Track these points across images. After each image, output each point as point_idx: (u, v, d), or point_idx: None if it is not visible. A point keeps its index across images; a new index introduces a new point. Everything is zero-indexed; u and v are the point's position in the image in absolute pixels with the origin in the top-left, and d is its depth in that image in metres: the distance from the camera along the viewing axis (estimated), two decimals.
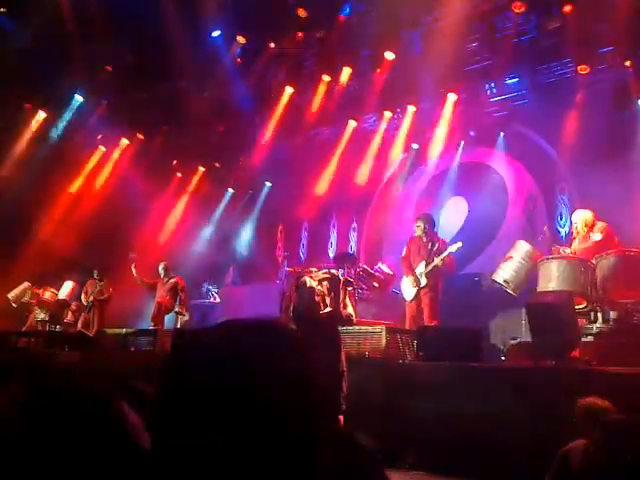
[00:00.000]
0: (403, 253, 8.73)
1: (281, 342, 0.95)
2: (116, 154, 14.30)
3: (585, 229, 7.26)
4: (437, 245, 8.30)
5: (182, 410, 0.87)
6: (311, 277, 6.28)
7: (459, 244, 8.36)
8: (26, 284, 11.48)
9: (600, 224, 7.25)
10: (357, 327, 7.49)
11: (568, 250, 7.24)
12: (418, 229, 8.44)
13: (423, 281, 8.21)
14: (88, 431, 1.23)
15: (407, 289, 8.42)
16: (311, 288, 6.13)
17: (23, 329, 11.13)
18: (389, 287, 9.29)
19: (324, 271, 6.50)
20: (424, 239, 8.38)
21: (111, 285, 11.30)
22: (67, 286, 11.45)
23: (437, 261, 8.18)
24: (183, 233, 14.21)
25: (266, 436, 0.86)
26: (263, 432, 0.86)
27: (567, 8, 9.65)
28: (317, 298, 6.10)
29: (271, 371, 0.90)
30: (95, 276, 11.28)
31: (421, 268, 8.27)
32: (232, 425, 0.85)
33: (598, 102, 9.97)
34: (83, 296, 11.29)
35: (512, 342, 7.64)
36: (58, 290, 11.48)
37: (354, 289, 8.68)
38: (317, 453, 0.90)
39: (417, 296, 8.27)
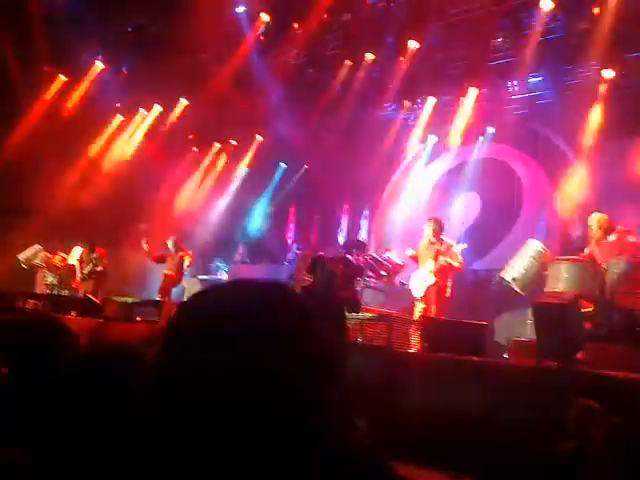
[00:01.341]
0: (414, 252, 8.78)
1: (291, 305, 0.90)
2: (134, 124, 14.31)
3: (600, 232, 7.16)
4: (444, 245, 8.38)
5: (185, 368, 0.83)
6: (330, 259, 6.39)
7: (464, 245, 8.53)
8: (37, 246, 11.52)
9: (619, 227, 7.15)
10: (362, 314, 7.55)
11: None
12: (428, 228, 8.48)
13: (432, 279, 8.28)
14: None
15: (416, 286, 8.46)
16: (331, 269, 6.23)
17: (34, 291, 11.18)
18: (397, 276, 9.31)
19: (340, 255, 6.57)
20: (433, 239, 8.46)
21: (106, 257, 11.14)
22: (76, 251, 11.48)
23: (442, 260, 8.24)
24: (196, 208, 14.24)
25: (268, 412, 0.81)
26: (267, 406, 0.81)
27: (596, 10, 9.55)
28: (335, 280, 6.20)
29: (279, 335, 0.84)
30: (86, 246, 11.12)
31: (430, 266, 8.33)
32: (233, 391, 0.80)
33: (621, 107, 9.90)
34: (78, 264, 11.16)
35: (514, 339, 7.64)
36: (67, 255, 11.52)
37: (362, 277, 8.76)
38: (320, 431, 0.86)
39: (426, 293, 8.32)
